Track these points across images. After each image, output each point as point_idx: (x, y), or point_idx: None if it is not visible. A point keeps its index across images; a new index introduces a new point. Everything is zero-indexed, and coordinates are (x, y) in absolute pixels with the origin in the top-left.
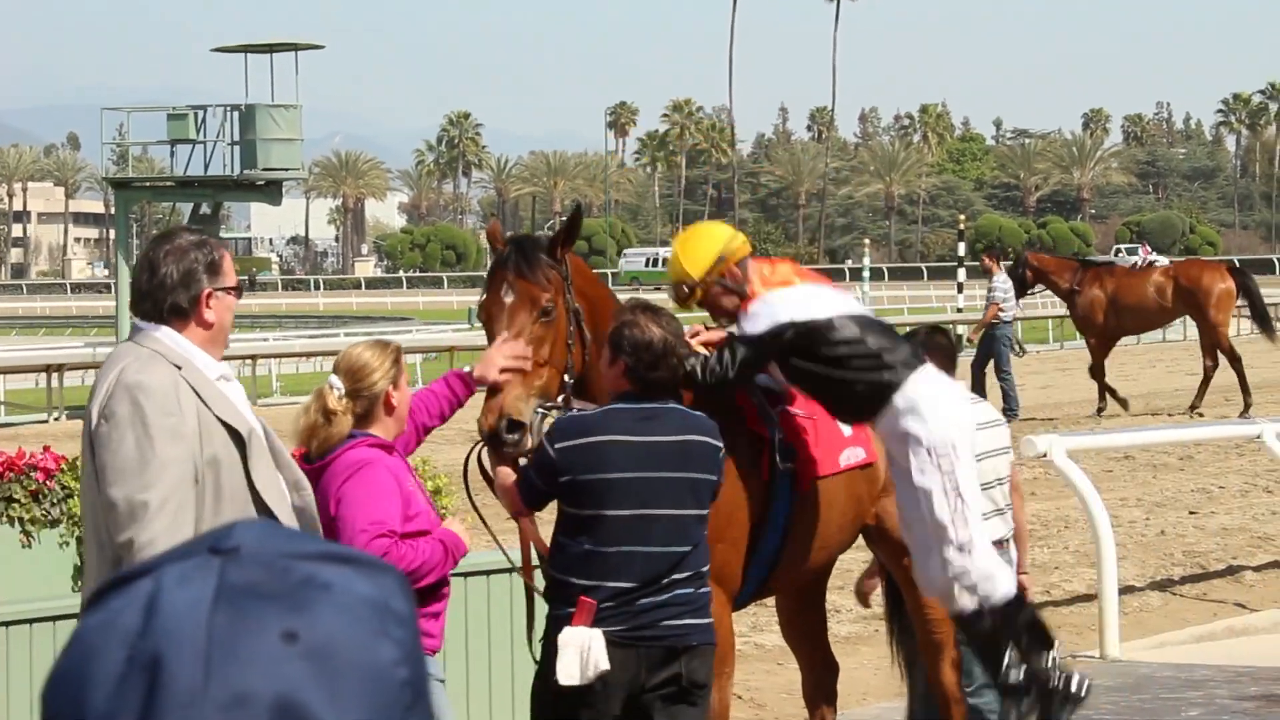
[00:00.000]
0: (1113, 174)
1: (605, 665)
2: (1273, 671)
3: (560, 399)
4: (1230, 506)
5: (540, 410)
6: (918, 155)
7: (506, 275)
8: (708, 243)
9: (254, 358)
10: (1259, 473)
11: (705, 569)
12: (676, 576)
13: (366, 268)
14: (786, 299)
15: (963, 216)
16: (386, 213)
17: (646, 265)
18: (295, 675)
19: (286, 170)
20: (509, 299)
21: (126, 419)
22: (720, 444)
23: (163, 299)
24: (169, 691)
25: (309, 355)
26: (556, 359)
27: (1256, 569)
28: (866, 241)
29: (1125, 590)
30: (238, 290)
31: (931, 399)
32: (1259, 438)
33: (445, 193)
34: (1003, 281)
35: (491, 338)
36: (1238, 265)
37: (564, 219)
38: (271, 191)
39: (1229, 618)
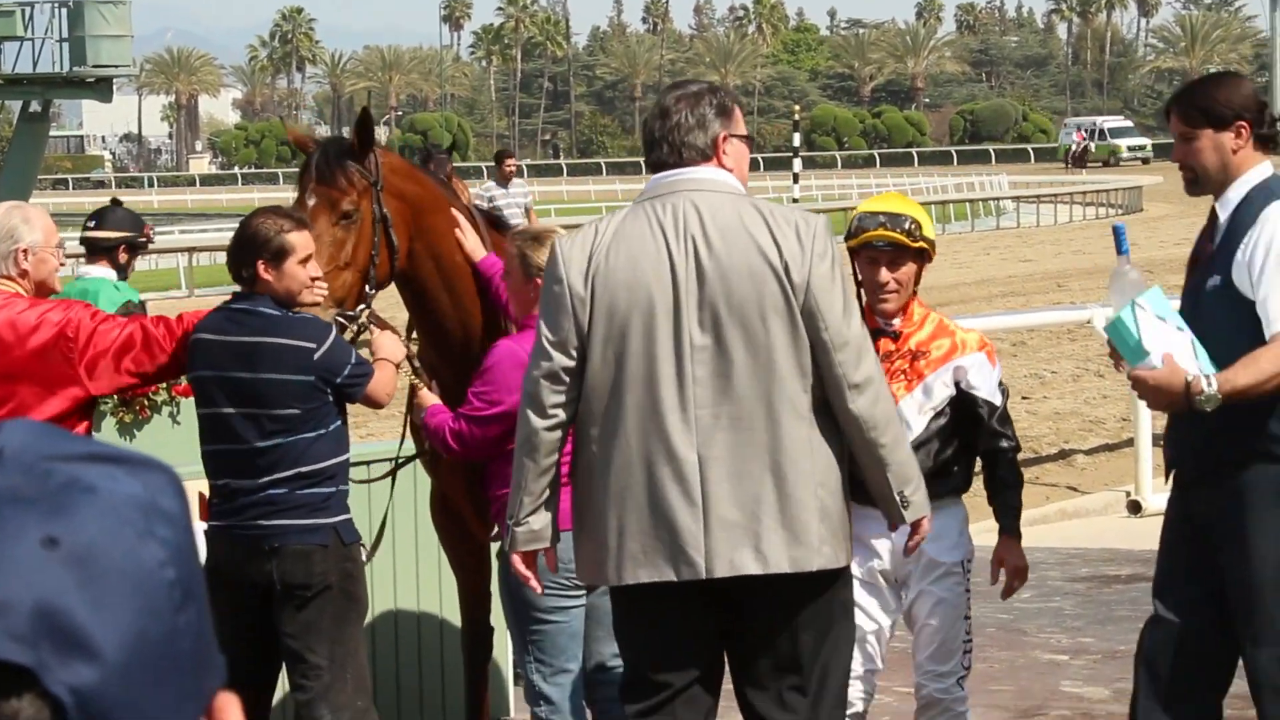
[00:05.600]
0: (946, 63)
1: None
2: (1103, 553)
3: (360, 308)
4: (1062, 391)
5: (339, 320)
6: (753, 46)
7: (309, 179)
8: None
9: None
10: (1090, 357)
11: (319, 470)
12: (274, 477)
13: (201, 165)
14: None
15: (798, 107)
16: (220, 109)
17: None
18: (56, 582)
19: (117, 67)
20: (311, 202)
21: (836, 257)
22: (314, 345)
23: (678, 141)
24: None
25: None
26: (358, 261)
27: (1088, 452)
28: None
29: None
30: (749, 140)
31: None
32: (1089, 322)
33: (279, 88)
34: (520, 187)
35: None
36: None
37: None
38: (102, 89)
39: (1061, 501)
